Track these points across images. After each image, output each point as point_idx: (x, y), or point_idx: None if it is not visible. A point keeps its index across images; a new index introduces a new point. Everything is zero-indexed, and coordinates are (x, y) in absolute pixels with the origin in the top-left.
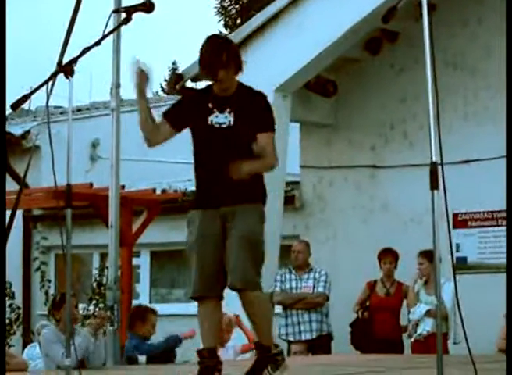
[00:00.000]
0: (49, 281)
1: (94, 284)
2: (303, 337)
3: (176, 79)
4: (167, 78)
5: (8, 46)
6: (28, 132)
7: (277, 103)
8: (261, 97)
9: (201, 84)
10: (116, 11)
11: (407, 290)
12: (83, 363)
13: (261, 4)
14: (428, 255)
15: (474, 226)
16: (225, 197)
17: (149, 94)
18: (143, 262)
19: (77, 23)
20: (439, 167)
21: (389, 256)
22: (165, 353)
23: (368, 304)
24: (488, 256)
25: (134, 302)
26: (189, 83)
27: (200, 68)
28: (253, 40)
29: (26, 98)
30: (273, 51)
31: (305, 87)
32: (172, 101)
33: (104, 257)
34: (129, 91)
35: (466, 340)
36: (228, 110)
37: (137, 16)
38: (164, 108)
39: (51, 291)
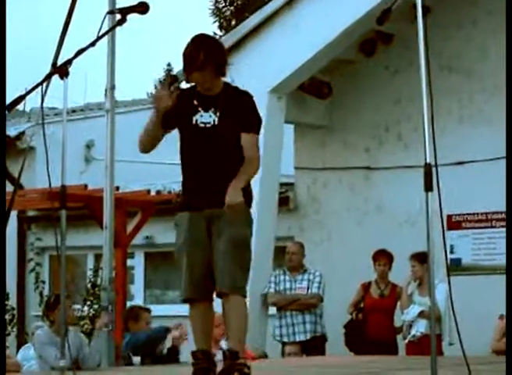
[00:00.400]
0: (43, 282)
1: (89, 285)
2: (297, 339)
3: (170, 80)
4: (162, 79)
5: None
6: (23, 133)
7: (272, 104)
8: (247, 96)
9: None
10: (111, 12)
11: (401, 291)
12: (78, 364)
13: (255, 5)
14: (419, 258)
15: (469, 228)
16: (210, 199)
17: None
18: (137, 263)
19: (72, 24)
20: (434, 169)
21: (383, 258)
22: (154, 344)
23: (362, 305)
24: (482, 258)
25: (129, 303)
26: (183, 85)
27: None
28: (247, 41)
29: (20, 99)
30: (268, 53)
31: (300, 89)
32: None
33: (98, 258)
34: (123, 93)
35: (460, 341)
36: (212, 109)
37: (132, 17)
38: None
39: (46, 292)
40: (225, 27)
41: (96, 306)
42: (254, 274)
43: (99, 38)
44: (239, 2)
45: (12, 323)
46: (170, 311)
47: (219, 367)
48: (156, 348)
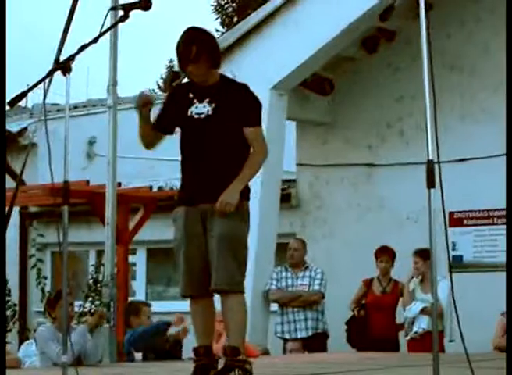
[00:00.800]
0: (45, 278)
1: (90, 281)
2: (298, 335)
3: (172, 77)
4: (163, 76)
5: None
6: (25, 129)
7: (273, 101)
8: (244, 88)
9: None
10: (114, 8)
11: (403, 288)
12: (80, 360)
13: (258, 2)
14: (422, 254)
15: (470, 225)
16: (204, 194)
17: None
18: (139, 259)
19: (75, 20)
20: (436, 166)
21: (385, 254)
22: (154, 337)
23: (364, 302)
24: (484, 255)
25: (130, 300)
26: (185, 81)
27: (178, 59)
28: (250, 38)
29: (23, 95)
30: (270, 50)
31: (302, 86)
32: None
33: (100, 254)
34: (126, 89)
35: (462, 338)
36: (207, 100)
37: (135, 13)
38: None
39: (48, 288)
40: (228, 24)
41: (98, 302)
42: (255, 271)
43: (102, 34)
44: None
45: (14, 319)
46: (172, 307)
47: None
48: (157, 342)
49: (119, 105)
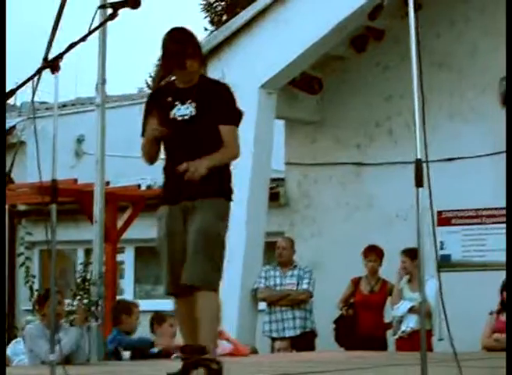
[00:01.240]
0: (34, 277)
1: (79, 280)
2: (286, 334)
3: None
4: (152, 74)
5: None
6: (13, 127)
7: (262, 100)
8: (224, 88)
9: None
10: (102, 7)
11: (391, 287)
12: (68, 359)
13: (247, 1)
14: (410, 254)
15: (459, 224)
16: (186, 192)
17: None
18: (127, 258)
19: (63, 18)
20: (424, 165)
21: (373, 254)
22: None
23: (352, 301)
24: (472, 254)
25: (118, 298)
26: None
27: (165, 61)
28: (239, 37)
29: (11, 93)
30: (259, 48)
31: (291, 85)
32: None
33: (88, 253)
34: (114, 87)
35: (450, 337)
36: (189, 101)
37: (123, 11)
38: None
39: (36, 287)
40: (217, 23)
41: (86, 301)
42: (244, 269)
43: (90, 33)
44: None
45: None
46: (160, 306)
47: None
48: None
49: (108, 104)
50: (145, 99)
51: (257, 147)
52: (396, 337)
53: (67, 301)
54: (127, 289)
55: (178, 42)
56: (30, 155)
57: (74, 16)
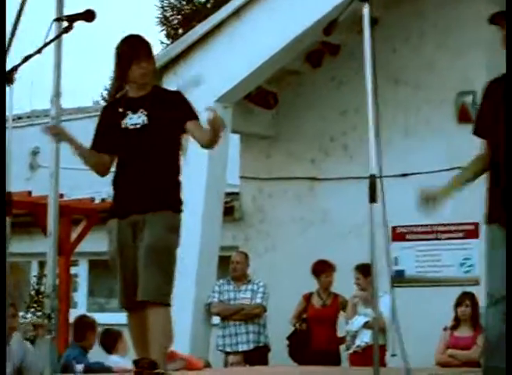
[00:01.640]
0: None
1: (33, 292)
2: (240, 349)
3: (116, 87)
4: (108, 87)
5: None
6: None
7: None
8: (177, 92)
9: None
10: (58, 19)
11: (343, 302)
12: (21, 372)
13: (203, 14)
14: (363, 270)
15: (413, 240)
16: (135, 205)
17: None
18: (81, 270)
19: (18, 30)
20: (378, 180)
21: (324, 268)
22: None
23: (304, 316)
24: (426, 270)
25: (72, 311)
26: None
27: (119, 65)
28: (194, 51)
29: None
30: (214, 62)
31: (246, 99)
32: None
33: (42, 265)
34: (69, 100)
35: (403, 353)
36: (141, 110)
37: (79, 24)
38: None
39: None
40: (173, 36)
41: (39, 313)
42: (197, 283)
43: (46, 45)
44: (186, 11)
45: None
46: (113, 319)
47: None
48: None
49: (63, 116)
50: (99, 112)
51: (212, 161)
52: (350, 351)
53: (20, 313)
54: (80, 302)
55: (132, 44)
56: None
57: (29, 28)
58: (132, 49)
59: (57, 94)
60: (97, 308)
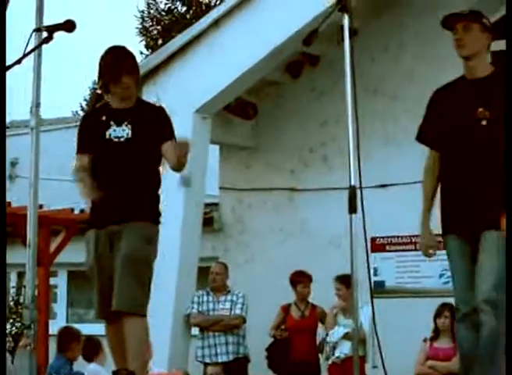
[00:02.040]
0: None
1: (11, 303)
2: (219, 360)
3: (95, 98)
4: (87, 98)
5: None
6: None
7: (197, 125)
8: (160, 109)
9: None
10: (38, 30)
11: (321, 312)
12: None
13: (182, 25)
14: (344, 281)
15: (393, 251)
16: (112, 215)
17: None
18: (60, 281)
19: None
20: (358, 191)
21: (302, 279)
22: None
23: (283, 327)
24: (406, 281)
25: (51, 322)
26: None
27: (102, 77)
28: (174, 61)
29: None
30: (194, 73)
31: (225, 109)
32: None
33: (21, 276)
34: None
35: (383, 364)
36: (125, 123)
37: (59, 35)
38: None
39: None
40: (152, 46)
41: (18, 324)
42: (177, 294)
43: (25, 56)
44: (166, 22)
45: None
46: (93, 330)
47: None
48: None
49: (42, 127)
50: (79, 123)
51: (192, 171)
52: (330, 362)
53: None
54: (60, 313)
55: (115, 57)
56: None
57: (9, 38)
58: (115, 62)
59: (36, 104)
60: (76, 319)
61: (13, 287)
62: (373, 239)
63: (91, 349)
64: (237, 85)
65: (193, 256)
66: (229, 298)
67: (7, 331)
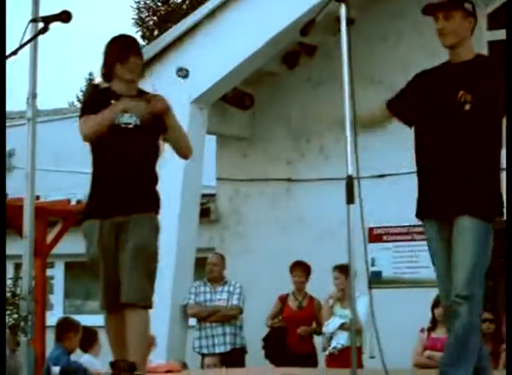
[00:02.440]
0: None
1: (8, 294)
2: (216, 350)
3: (92, 89)
4: (83, 89)
5: None
6: None
7: (194, 115)
8: (163, 99)
9: None
10: (34, 20)
11: (318, 304)
12: None
13: (179, 16)
14: (342, 270)
15: (390, 241)
16: (120, 205)
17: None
18: (57, 272)
19: None
20: (355, 181)
21: (299, 269)
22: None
23: (280, 317)
24: (403, 271)
25: (48, 313)
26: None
27: (108, 60)
28: (170, 51)
29: None
30: (190, 63)
31: (222, 100)
32: None
33: (18, 267)
34: (45, 102)
35: (381, 354)
36: None
37: (55, 25)
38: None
39: None
40: (148, 37)
41: (15, 316)
42: (174, 285)
43: (21, 46)
44: (162, 12)
45: None
46: (90, 321)
47: None
48: None
49: (39, 118)
50: (76, 113)
51: (188, 162)
52: (327, 353)
53: None
54: (57, 304)
55: (122, 41)
56: None
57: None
58: (123, 44)
59: (33, 95)
60: (73, 310)
61: (10, 279)
62: (370, 229)
63: (86, 340)
64: (234, 75)
65: (190, 247)
66: (226, 288)
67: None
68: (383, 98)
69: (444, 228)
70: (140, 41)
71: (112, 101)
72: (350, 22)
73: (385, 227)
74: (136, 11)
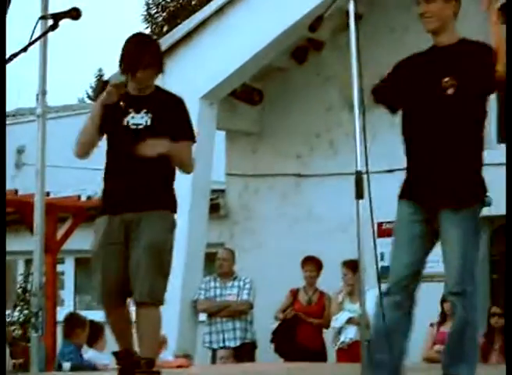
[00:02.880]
0: None
1: (19, 290)
2: (227, 345)
3: (102, 86)
4: (93, 85)
5: None
6: None
7: (203, 111)
8: (180, 100)
9: None
10: (43, 17)
11: (329, 300)
12: None
13: (188, 12)
14: (351, 266)
15: None
16: (130, 203)
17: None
18: (67, 268)
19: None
20: (365, 176)
21: (310, 264)
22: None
23: (291, 309)
24: None
25: (59, 309)
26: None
27: (121, 66)
28: (179, 47)
29: None
30: (200, 59)
31: (231, 95)
32: None
33: (29, 263)
34: (55, 98)
35: (390, 348)
36: (144, 110)
37: (64, 22)
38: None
39: None
40: (158, 33)
41: (26, 312)
42: (184, 280)
43: (31, 43)
44: (171, 9)
45: None
46: (100, 317)
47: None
48: None
49: (49, 114)
50: (86, 110)
51: (198, 158)
52: (336, 347)
53: (8, 312)
54: (67, 300)
55: (135, 49)
56: None
57: (15, 26)
58: (134, 55)
59: (43, 92)
60: (83, 305)
61: (21, 275)
62: (380, 224)
63: (92, 334)
64: (243, 71)
65: (200, 242)
66: (235, 283)
67: (15, 319)
68: None
69: (420, 212)
70: None
71: (121, 103)
72: (357, 17)
73: (394, 222)
74: (146, 7)
